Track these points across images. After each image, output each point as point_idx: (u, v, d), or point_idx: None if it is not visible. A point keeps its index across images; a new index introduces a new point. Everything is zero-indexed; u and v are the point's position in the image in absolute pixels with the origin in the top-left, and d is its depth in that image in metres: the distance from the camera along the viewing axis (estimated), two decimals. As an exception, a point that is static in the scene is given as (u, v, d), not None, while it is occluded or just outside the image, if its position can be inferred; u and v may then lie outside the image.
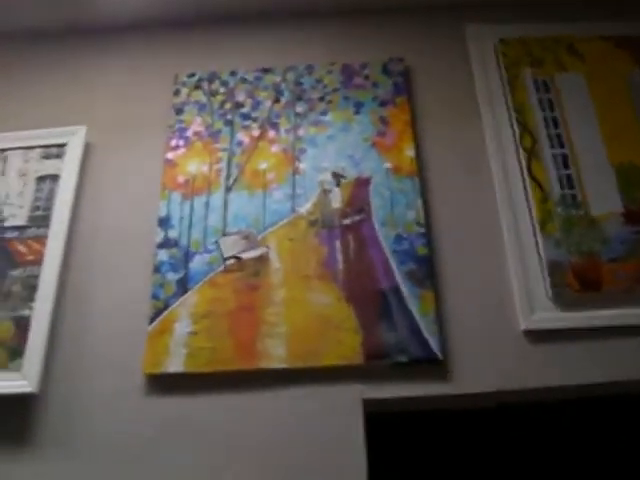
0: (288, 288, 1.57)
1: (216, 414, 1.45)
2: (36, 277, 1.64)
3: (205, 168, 1.78)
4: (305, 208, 1.69)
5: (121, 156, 1.85)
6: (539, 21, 1.94)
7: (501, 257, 1.59)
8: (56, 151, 1.85)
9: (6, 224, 1.75)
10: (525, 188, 1.66)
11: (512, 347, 1.49)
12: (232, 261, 1.62)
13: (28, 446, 1.46)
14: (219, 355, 1.49)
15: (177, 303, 1.57)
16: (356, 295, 1.55)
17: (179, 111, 1.89)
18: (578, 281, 1.51)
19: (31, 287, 1.62)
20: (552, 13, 1.96)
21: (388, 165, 1.73)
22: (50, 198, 1.77)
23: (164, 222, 1.69)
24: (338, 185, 1.72)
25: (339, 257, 1.60)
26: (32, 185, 1.80)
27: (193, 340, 1.51)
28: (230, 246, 1.64)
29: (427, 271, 1.56)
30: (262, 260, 1.62)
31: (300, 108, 1.86)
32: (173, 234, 1.67)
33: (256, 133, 1.83)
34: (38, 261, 1.66)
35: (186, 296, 1.58)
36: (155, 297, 1.58)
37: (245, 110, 1.87)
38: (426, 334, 1.48)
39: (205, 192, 1.73)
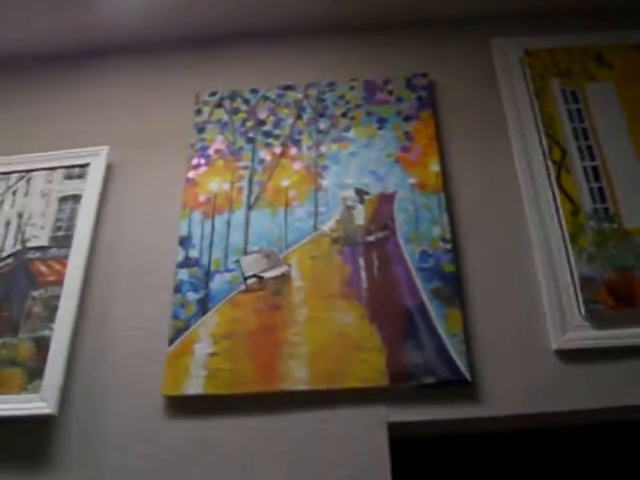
0: (310, 307, 1.53)
1: (236, 437, 1.41)
2: (57, 298, 1.62)
3: (226, 186, 1.76)
4: (328, 225, 1.65)
5: (143, 176, 1.84)
6: (565, 32, 1.90)
7: (531, 273, 1.53)
8: (78, 171, 1.85)
9: (28, 245, 1.75)
10: (555, 202, 1.60)
11: (543, 368, 1.42)
12: (253, 280, 1.59)
13: (46, 468, 1.43)
14: (239, 377, 1.45)
15: (197, 323, 1.54)
16: (380, 314, 1.50)
17: (201, 130, 1.87)
18: (612, 297, 1.44)
19: (52, 308, 1.61)
20: (578, 23, 1.91)
21: (413, 180, 1.69)
22: (72, 218, 1.76)
23: (185, 241, 1.67)
24: (362, 202, 1.68)
25: (363, 275, 1.56)
26: (54, 205, 1.80)
27: (213, 361, 1.48)
28: (251, 265, 1.61)
29: (454, 289, 1.51)
30: (284, 279, 1.58)
31: (322, 125, 1.83)
32: (194, 253, 1.65)
33: (278, 150, 1.80)
34: (59, 282, 1.65)
35: (206, 316, 1.55)
36: (175, 317, 1.56)
37: (267, 127, 1.85)
38: (453, 354, 1.43)
39: (226, 210, 1.71)
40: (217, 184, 1.76)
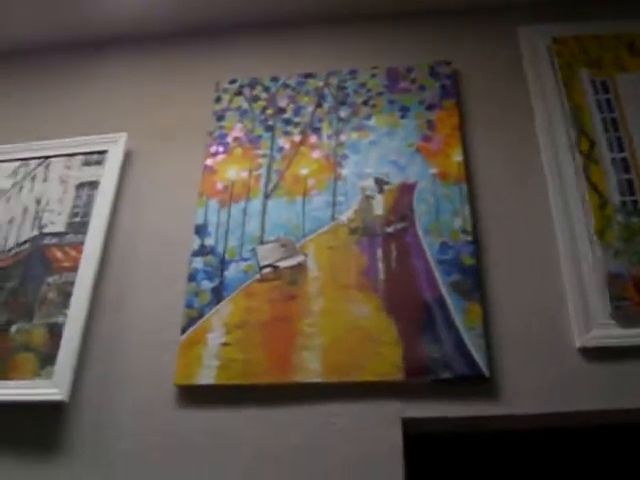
0: (326, 298, 1.49)
1: (248, 428, 1.38)
2: (72, 284, 1.61)
3: (244, 174, 1.73)
4: (346, 215, 1.62)
5: (161, 163, 1.82)
6: (595, 20, 1.83)
7: (555, 268, 1.48)
8: (96, 158, 1.84)
9: (45, 230, 1.74)
10: (582, 194, 1.54)
11: (566, 365, 1.36)
12: (269, 269, 1.56)
13: (58, 454, 1.42)
14: (252, 367, 1.42)
15: (211, 312, 1.52)
16: (397, 306, 1.46)
17: (220, 117, 1.85)
18: (639, 294, 1.38)
19: (66, 294, 1.60)
20: (609, 11, 1.84)
21: (434, 171, 1.64)
22: (89, 205, 1.75)
23: (201, 229, 1.65)
24: (381, 191, 1.64)
25: (380, 266, 1.52)
26: (72, 192, 1.79)
27: (225, 351, 1.45)
28: (267, 254, 1.58)
29: (474, 282, 1.46)
30: (300, 269, 1.55)
31: (343, 113, 1.80)
32: (209, 242, 1.63)
33: (297, 139, 1.77)
34: (74, 268, 1.64)
35: (220, 305, 1.52)
36: (189, 306, 1.53)
37: (287, 115, 1.82)
38: (472, 349, 1.38)
39: (243, 199, 1.68)
40: (235, 172, 1.74)
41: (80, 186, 1.80)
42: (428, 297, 1.46)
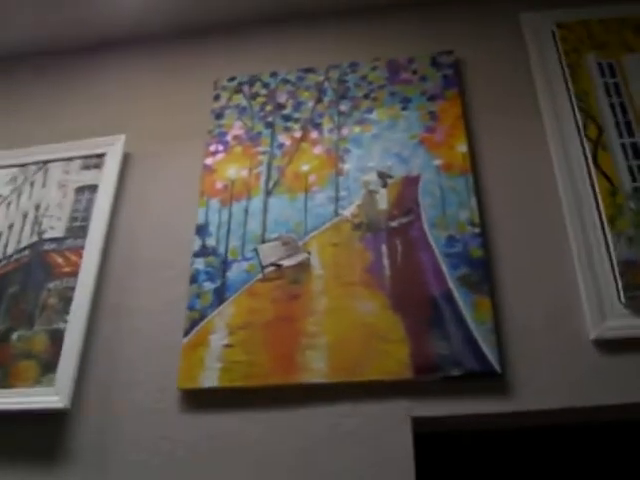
0: (330, 296, 1.46)
1: (252, 431, 1.35)
2: (72, 289, 1.59)
3: (244, 172, 1.69)
4: (349, 211, 1.58)
5: (160, 164, 1.79)
6: (598, 3, 1.77)
7: (566, 258, 1.43)
8: (95, 161, 1.81)
9: (45, 236, 1.72)
10: (591, 182, 1.49)
11: (580, 359, 1.32)
12: (271, 269, 1.53)
13: (60, 462, 1.40)
14: (255, 369, 1.39)
15: (213, 314, 1.48)
16: (404, 303, 1.42)
17: (219, 116, 1.82)
18: (655, 283, 1.33)
19: (67, 299, 1.58)
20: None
21: (438, 162, 1.60)
22: (88, 209, 1.73)
23: (202, 230, 1.62)
24: (385, 185, 1.60)
25: (385, 262, 1.48)
26: (71, 196, 1.77)
27: (228, 353, 1.42)
28: (269, 253, 1.55)
29: (483, 275, 1.42)
30: (303, 267, 1.51)
31: (344, 107, 1.76)
32: (211, 242, 1.59)
33: (298, 134, 1.73)
34: (75, 273, 1.62)
35: (222, 306, 1.49)
36: (191, 308, 1.50)
37: (286, 111, 1.79)
38: (482, 345, 1.33)
39: (244, 197, 1.65)
40: (235, 170, 1.70)
41: (79, 190, 1.78)
42: (435, 292, 1.42)
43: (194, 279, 1.54)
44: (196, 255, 1.58)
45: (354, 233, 1.54)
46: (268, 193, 1.65)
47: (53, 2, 1.96)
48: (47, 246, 1.70)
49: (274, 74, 1.87)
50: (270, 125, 1.77)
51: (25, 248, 1.71)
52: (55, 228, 1.72)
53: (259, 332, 1.43)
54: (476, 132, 1.65)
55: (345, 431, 1.31)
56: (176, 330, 1.49)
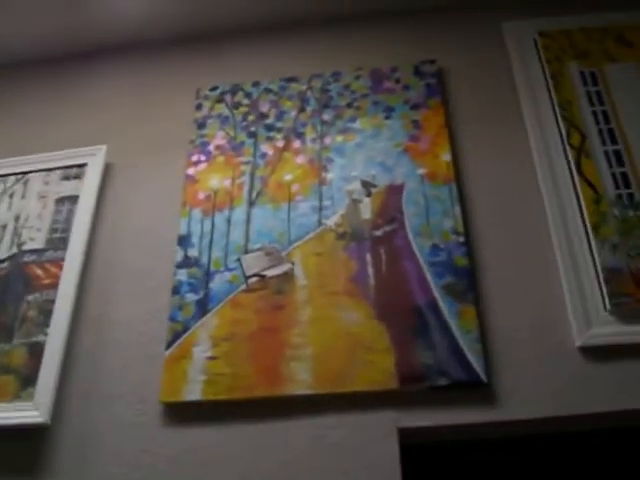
0: (315, 306, 1.44)
1: (237, 445, 1.32)
2: (52, 301, 1.56)
3: (227, 182, 1.68)
4: (333, 220, 1.57)
5: (141, 175, 1.77)
6: (579, 13, 1.79)
7: (551, 266, 1.43)
8: (75, 172, 1.79)
9: (24, 247, 1.69)
10: (575, 189, 1.49)
11: (566, 366, 1.31)
12: (255, 279, 1.51)
13: (40, 478, 1.36)
14: (240, 381, 1.37)
15: (196, 325, 1.46)
16: (389, 312, 1.41)
17: (201, 125, 1.80)
18: (640, 289, 1.33)
19: (47, 312, 1.55)
20: (592, 4, 1.80)
21: (422, 171, 1.59)
22: (69, 220, 1.70)
23: (184, 240, 1.60)
24: (368, 195, 1.59)
25: (370, 271, 1.47)
26: (51, 207, 1.74)
27: (212, 366, 1.40)
28: (252, 263, 1.53)
29: (467, 284, 1.41)
30: (287, 277, 1.50)
31: (327, 116, 1.75)
32: (193, 253, 1.57)
33: (280, 144, 1.72)
34: (54, 285, 1.59)
35: (206, 318, 1.47)
36: (173, 319, 1.48)
37: (269, 121, 1.78)
38: (468, 353, 1.32)
39: (227, 207, 1.63)
40: (217, 181, 1.69)
41: (59, 201, 1.75)
42: (420, 301, 1.41)
43: (176, 290, 1.52)
44: (178, 266, 1.56)
45: (338, 243, 1.53)
46: (251, 203, 1.63)
47: (29, 12, 1.94)
48: (27, 258, 1.67)
49: (256, 83, 1.86)
50: (253, 135, 1.76)
51: (4, 260, 1.67)
52: (35, 239, 1.69)
53: (243, 344, 1.41)
54: (460, 141, 1.65)
55: (330, 443, 1.29)
56: (158, 342, 1.46)
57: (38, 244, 1.68)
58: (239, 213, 1.62)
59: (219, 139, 1.77)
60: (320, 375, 1.35)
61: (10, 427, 1.40)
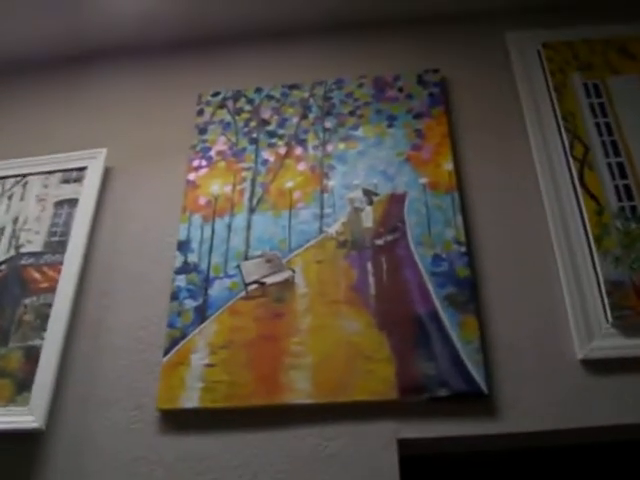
0: (315, 315, 1.43)
1: (234, 454, 1.31)
2: (49, 305, 1.55)
3: (228, 188, 1.67)
4: (334, 228, 1.56)
5: (142, 179, 1.76)
6: (583, 25, 1.80)
7: (553, 277, 1.42)
8: (75, 175, 1.78)
9: (22, 250, 1.67)
10: (578, 201, 1.49)
11: (568, 379, 1.30)
12: (254, 286, 1.50)
13: (34, 486, 1.34)
14: (238, 390, 1.35)
15: (194, 332, 1.45)
16: (389, 322, 1.39)
17: (202, 131, 1.79)
18: (642, 302, 1.32)
19: (44, 316, 1.53)
20: (595, 17, 1.81)
21: (424, 180, 1.59)
22: (67, 223, 1.69)
23: (183, 246, 1.58)
24: (370, 203, 1.58)
25: (371, 280, 1.46)
26: (50, 210, 1.73)
27: (210, 373, 1.38)
28: (252, 270, 1.52)
29: (469, 294, 1.40)
30: (287, 285, 1.49)
31: (329, 123, 1.74)
32: (193, 258, 1.56)
33: (282, 151, 1.71)
34: (52, 289, 1.57)
35: (204, 325, 1.46)
36: (171, 326, 1.46)
37: (271, 127, 1.77)
38: (469, 365, 1.31)
39: (227, 213, 1.62)
40: (218, 186, 1.68)
41: (58, 204, 1.74)
42: (421, 311, 1.40)
43: (175, 296, 1.51)
44: (177, 272, 1.55)
45: (339, 251, 1.52)
46: (252, 210, 1.62)
47: (29, 15, 1.93)
48: (24, 261, 1.65)
49: (259, 90, 1.85)
50: (254, 141, 1.75)
51: (1, 263, 1.66)
52: (33, 242, 1.68)
53: (242, 351, 1.40)
54: (462, 150, 1.65)
55: (329, 453, 1.28)
56: (156, 348, 1.45)
57: (36, 247, 1.67)
58: (240, 219, 1.61)
59: (220, 145, 1.76)
60: (319, 384, 1.33)
61: (5, 432, 1.39)
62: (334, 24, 1.95)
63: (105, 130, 1.87)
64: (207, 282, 1.52)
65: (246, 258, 1.54)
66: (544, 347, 1.34)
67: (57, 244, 1.66)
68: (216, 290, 1.50)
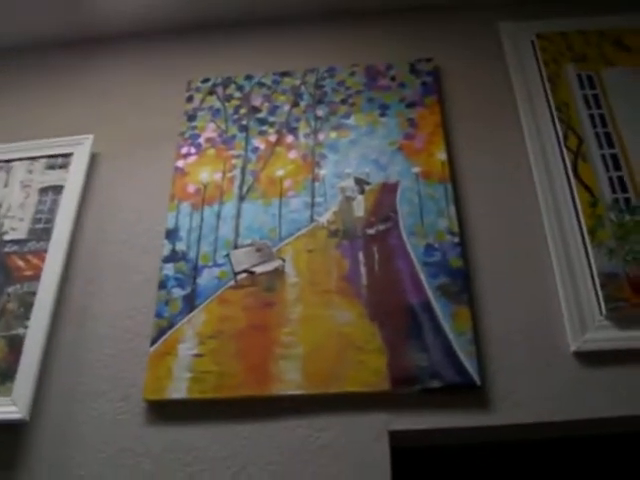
0: (305, 305, 1.41)
1: (223, 445, 1.28)
2: (33, 294, 1.51)
3: (217, 176, 1.64)
4: (325, 217, 1.53)
5: (129, 166, 1.73)
6: (577, 15, 1.78)
7: (546, 269, 1.41)
8: (61, 161, 1.74)
9: (6, 238, 1.63)
10: (572, 193, 1.47)
11: (561, 371, 1.29)
12: (244, 275, 1.47)
13: (18, 476, 1.31)
14: (227, 380, 1.33)
15: (183, 322, 1.42)
16: (381, 312, 1.38)
17: (191, 117, 1.76)
18: (636, 294, 1.31)
19: (28, 304, 1.50)
20: (589, 8, 1.79)
21: (417, 170, 1.57)
22: (52, 210, 1.65)
23: (172, 234, 1.56)
24: (362, 192, 1.56)
25: (362, 270, 1.44)
26: (34, 197, 1.69)
27: (198, 363, 1.36)
28: (242, 259, 1.49)
29: (462, 285, 1.39)
30: (277, 274, 1.46)
31: (321, 112, 1.72)
32: (181, 247, 1.53)
33: (273, 138, 1.69)
34: (36, 277, 1.54)
35: (192, 314, 1.43)
36: (159, 315, 1.44)
37: (261, 115, 1.74)
38: (461, 356, 1.30)
39: (217, 201, 1.59)
40: (207, 174, 1.65)
41: (43, 191, 1.70)
42: (414, 302, 1.38)
43: (163, 285, 1.48)
44: (165, 260, 1.52)
45: (330, 240, 1.50)
46: (241, 198, 1.59)
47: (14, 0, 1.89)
48: (8, 248, 1.61)
49: (249, 77, 1.82)
50: (244, 128, 1.72)
51: (-16, 251, 1.62)
52: (17, 230, 1.64)
53: (231, 341, 1.38)
54: (455, 140, 1.63)
55: (320, 445, 1.26)
56: (143, 338, 1.42)
57: (20, 234, 1.63)
58: (229, 207, 1.58)
59: (210, 132, 1.73)
60: (310, 375, 1.31)
61: (-14, 423, 1.36)
62: (326, 12, 1.92)
63: (92, 116, 1.83)
64: (196, 271, 1.49)
65: (236, 247, 1.52)
66: (537, 339, 1.33)
67: (42, 231, 1.62)
68: (205, 279, 1.48)
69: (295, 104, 1.75)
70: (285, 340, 1.36)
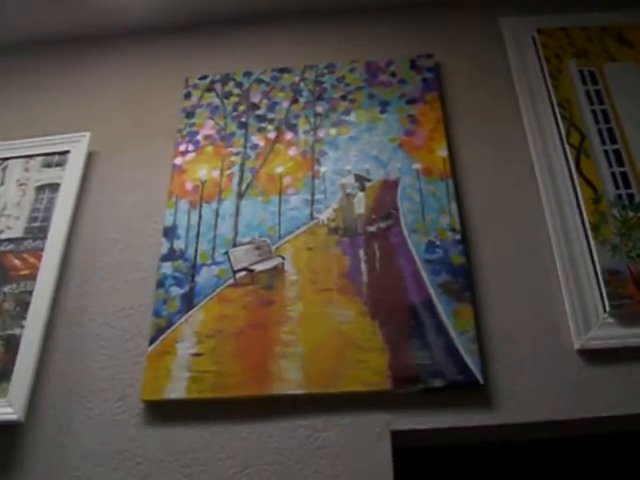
0: (305, 303, 1.39)
1: (222, 446, 1.27)
2: (29, 293, 1.49)
3: (216, 173, 1.62)
4: (325, 214, 1.52)
5: (127, 164, 1.71)
6: (578, 11, 1.77)
7: (549, 266, 1.39)
8: (57, 159, 1.72)
9: (2, 236, 1.62)
10: (574, 189, 1.46)
11: (565, 369, 1.27)
12: (243, 274, 1.45)
13: (13, 478, 1.29)
14: (226, 379, 1.31)
15: (181, 321, 1.40)
16: (382, 310, 1.36)
17: (190, 115, 1.74)
18: (640, 291, 1.29)
19: (24, 304, 1.48)
20: (593, 2, 1.78)
21: (418, 166, 1.55)
22: (49, 208, 1.63)
23: (170, 232, 1.54)
24: (362, 189, 1.54)
25: (363, 268, 1.42)
26: (31, 195, 1.67)
27: (197, 362, 1.34)
28: (241, 257, 1.48)
29: (464, 282, 1.37)
30: (277, 272, 1.44)
31: (320, 108, 1.70)
32: (179, 245, 1.51)
33: (272, 135, 1.67)
34: (32, 276, 1.52)
35: (191, 313, 1.41)
36: (157, 314, 1.42)
37: (260, 112, 1.72)
38: (464, 354, 1.28)
39: (215, 199, 1.58)
40: (206, 171, 1.63)
41: (40, 189, 1.68)
42: (415, 300, 1.36)
43: (161, 284, 1.46)
44: (163, 259, 1.50)
45: (330, 238, 1.48)
46: (240, 195, 1.58)
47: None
48: (4, 247, 1.59)
49: (248, 73, 1.81)
50: (243, 125, 1.70)
51: (-20, 249, 1.60)
52: (13, 228, 1.62)
53: (230, 340, 1.36)
54: (456, 136, 1.61)
55: (320, 445, 1.24)
56: (141, 337, 1.41)
57: (16, 233, 1.61)
58: (228, 205, 1.56)
59: (208, 129, 1.71)
60: (310, 374, 1.30)
61: (-18, 424, 1.34)
62: (326, 7, 1.90)
63: (89, 113, 1.81)
64: (194, 269, 1.47)
65: (234, 245, 1.50)
66: (541, 337, 1.31)
67: (38, 230, 1.60)
68: (203, 277, 1.46)
69: (294, 101, 1.73)
70: (285, 339, 1.35)
